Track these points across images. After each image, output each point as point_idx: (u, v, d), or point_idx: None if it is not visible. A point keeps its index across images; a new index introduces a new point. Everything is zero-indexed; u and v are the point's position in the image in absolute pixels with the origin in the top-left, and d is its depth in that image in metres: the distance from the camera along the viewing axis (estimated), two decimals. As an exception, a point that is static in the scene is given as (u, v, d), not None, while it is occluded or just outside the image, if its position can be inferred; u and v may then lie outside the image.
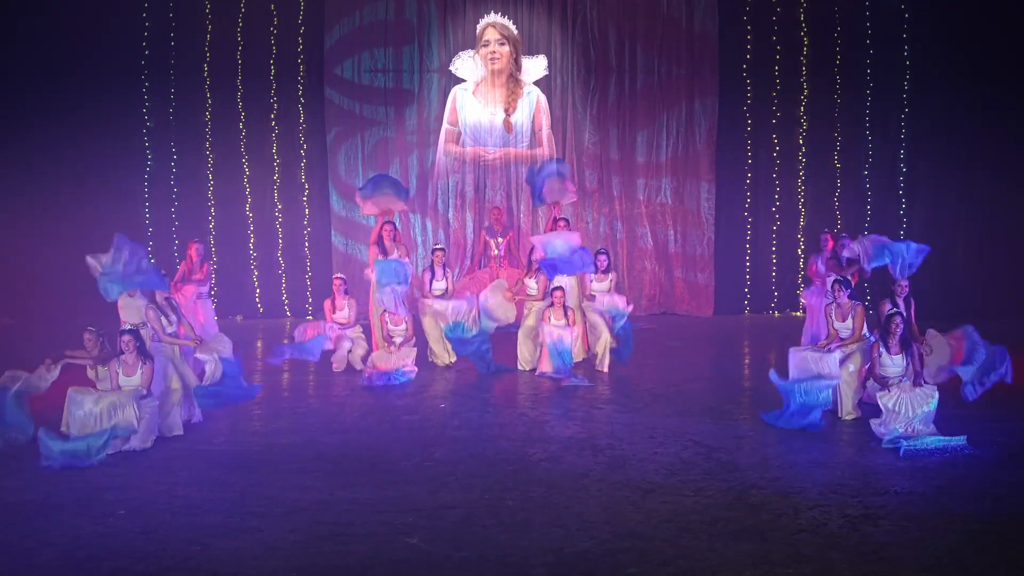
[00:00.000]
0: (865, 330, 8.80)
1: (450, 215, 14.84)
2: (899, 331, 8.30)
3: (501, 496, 6.69)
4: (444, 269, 11.15)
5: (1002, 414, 8.68)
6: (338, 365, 10.78)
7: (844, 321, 8.82)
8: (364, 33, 14.71)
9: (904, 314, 8.58)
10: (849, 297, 8.86)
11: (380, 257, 11.02)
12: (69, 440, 7.51)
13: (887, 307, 8.91)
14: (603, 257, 11.00)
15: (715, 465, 7.37)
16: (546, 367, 10.45)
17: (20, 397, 8.13)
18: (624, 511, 6.41)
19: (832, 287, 9.02)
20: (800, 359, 8.75)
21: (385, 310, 10.59)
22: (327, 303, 11.06)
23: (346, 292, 11.01)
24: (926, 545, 5.81)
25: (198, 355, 8.52)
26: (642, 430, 8.39)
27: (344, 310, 10.91)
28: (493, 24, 14.55)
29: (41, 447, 7.41)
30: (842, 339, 8.79)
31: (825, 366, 8.53)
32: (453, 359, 11.05)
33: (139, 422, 7.76)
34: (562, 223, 11.29)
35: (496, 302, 10.60)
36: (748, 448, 7.82)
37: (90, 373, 8.62)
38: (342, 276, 11.30)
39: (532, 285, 10.85)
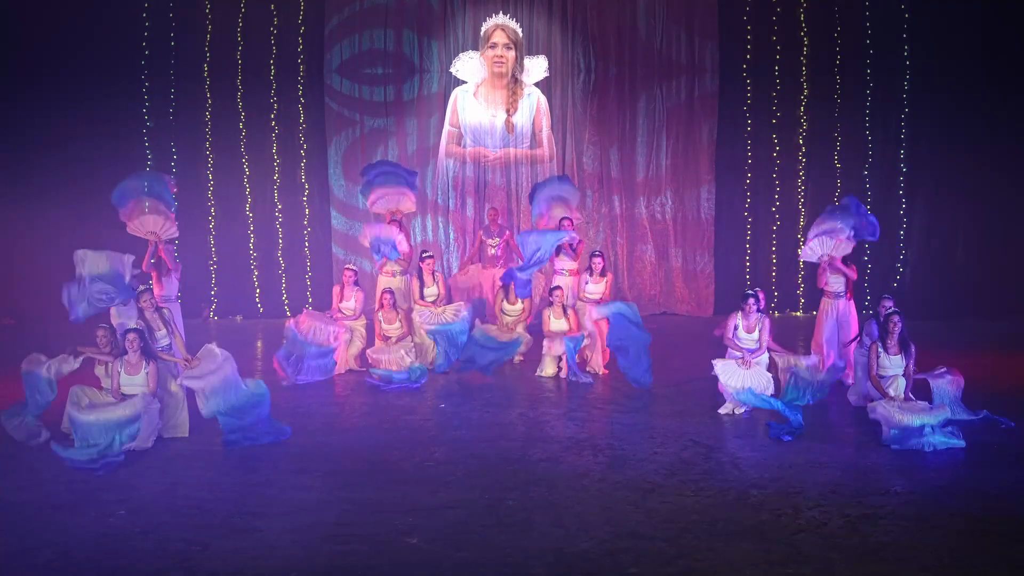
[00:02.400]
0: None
1: (451, 215, 14.86)
2: (897, 330, 8.29)
3: (501, 496, 6.69)
4: (434, 275, 11.17)
5: (1002, 414, 8.68)
6: (340, 367, 10.77)
7: (751, 333, 8.98)
8: (365, 30, 14.71)
9: (901, 320, 8.50)
10: (758, 311, 9.01)
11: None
12: (76, 449, 7.52)
13: (888, 304, 8.99)
14: (598, 259, 10.82)
15: (715, 465, 7.38)
16: (550, 371, 10.46)
17: (51, 382, 8.20)
18: (624, 511, 6.41)
19: (748, 299, 9.09)
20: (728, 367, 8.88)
21: (379, 308, 10.72)
22: (336, 290, 11.07)
23: (355, 283, 10.96)
24: (926, 545, 5.81)
25: (185, 382, 8.13)
26: (642, 430, 8.39)
27: (351, 301, 10.86)
28: (503, 27, 14.52)
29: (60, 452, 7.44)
30: (748, 350, 8.92)
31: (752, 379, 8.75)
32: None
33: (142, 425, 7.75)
34: (567, 222, 11.28)
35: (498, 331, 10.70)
36: (748, 448, 7.83)
37: (98, 370, 8.60)
38: (353, 268, 11.23)
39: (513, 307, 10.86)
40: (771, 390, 8.78)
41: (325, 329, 10.48)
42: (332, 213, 14.85)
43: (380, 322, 10.75)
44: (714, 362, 8.99)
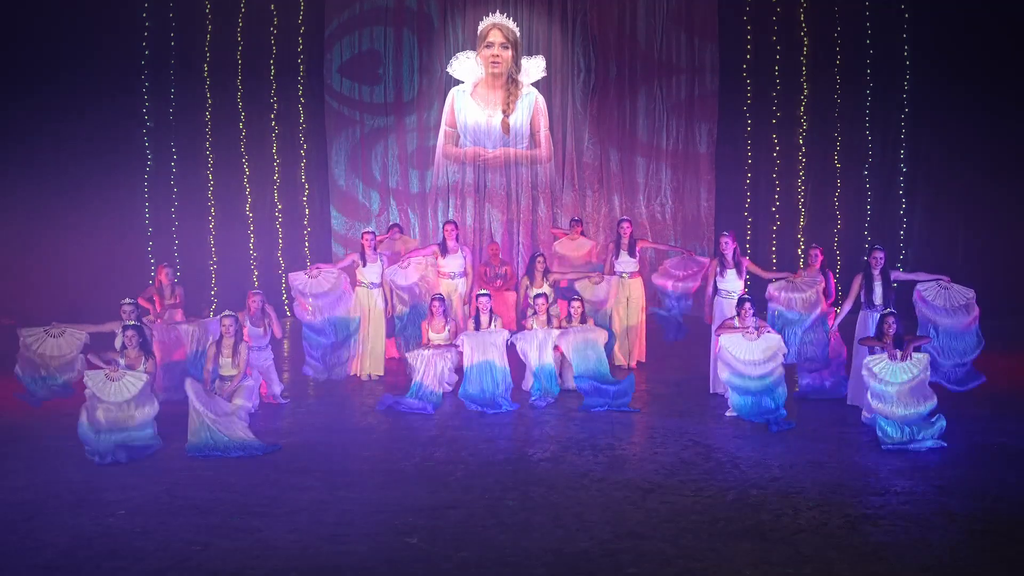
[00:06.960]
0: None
1: (450, 214, 14.86)
2: (892, 331, 8.25)
3: (501, 496, 6.69)
4: (459, 244, 10.71)
5: (1002, 414, 8.69)
6: (357, 370, 10.54)
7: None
8: (364, 31, 14.72)
9: (896, 321, 8.43)
10: (753, 315, 8.83)
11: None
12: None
13: (859, 281, 9.10)
14: (576, 303, 10.05)
15: (715, 465, 7.38)
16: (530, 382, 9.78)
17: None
18: (624, 511, 6.41)
19: (743, 304, 8.88)
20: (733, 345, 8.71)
21: (430, 316, 9.83)
22: (353, 258, 10.40)
23: (375, 249, 10.36)
24: (926, 545, 5.81)
25: (195, 404, 7.89)
26: (642, 430, 8.40)
27: (376, 263, 10.31)
28: (499, 26, 14.51)
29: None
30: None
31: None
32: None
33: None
34: (577, 225, 11.76)
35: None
36: (748, 448, 7.83)
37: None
38: (372, 231, 10.52)
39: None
40: (783, 350, 8.61)
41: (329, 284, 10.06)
42: (332, 213, 14.87)
43: (427, 331, 9.77)
44: (720, 338, 8.79)
